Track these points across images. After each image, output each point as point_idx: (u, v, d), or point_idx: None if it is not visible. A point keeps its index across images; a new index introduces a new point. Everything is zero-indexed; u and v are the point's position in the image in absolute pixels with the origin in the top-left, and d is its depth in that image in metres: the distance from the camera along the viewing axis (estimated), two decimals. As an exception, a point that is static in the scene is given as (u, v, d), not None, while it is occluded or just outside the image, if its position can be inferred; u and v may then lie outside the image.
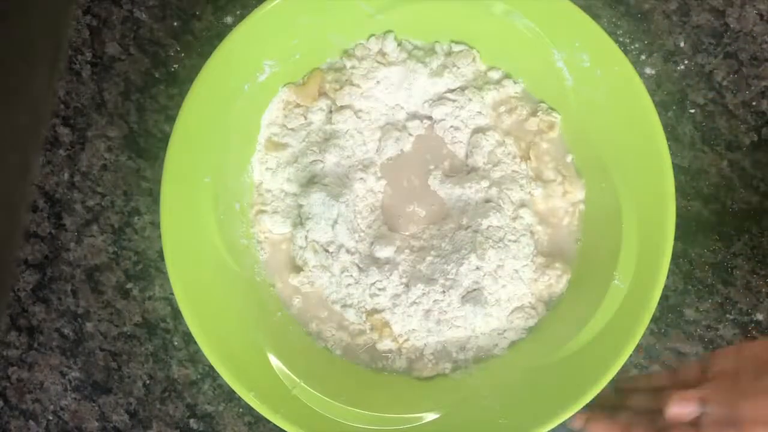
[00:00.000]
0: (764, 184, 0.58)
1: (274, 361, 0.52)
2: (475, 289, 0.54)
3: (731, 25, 0.60)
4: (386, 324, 0.54)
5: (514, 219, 0.55)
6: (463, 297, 0.54)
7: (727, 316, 0.58)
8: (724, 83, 0.59)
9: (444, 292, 0.54)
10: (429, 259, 0.55)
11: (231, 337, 0.51)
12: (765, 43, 0.59)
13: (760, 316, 0.58)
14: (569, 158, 0.56)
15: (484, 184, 0.55)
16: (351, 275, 0.55)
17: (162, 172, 0.51)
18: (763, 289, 0.58)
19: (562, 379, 0.47)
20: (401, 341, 0.54)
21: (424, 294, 0.54)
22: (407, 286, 0.54)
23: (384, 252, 0.55)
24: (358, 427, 0.50)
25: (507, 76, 0.57)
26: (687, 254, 0.58)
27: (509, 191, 0.55)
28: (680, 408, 0.43)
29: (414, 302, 0.54)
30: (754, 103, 0.59)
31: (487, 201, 0.55)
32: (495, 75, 0.57)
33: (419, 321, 0.54)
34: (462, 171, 0.57)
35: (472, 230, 0.54)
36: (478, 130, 0.57)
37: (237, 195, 0.55)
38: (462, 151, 0.57)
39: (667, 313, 0.58)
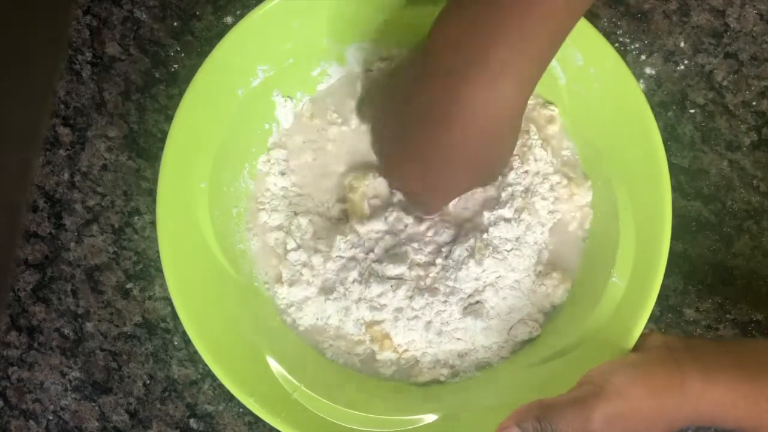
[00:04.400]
0: (764, 184, 0.58)
1: (274, 365, 0.52)
2: (477, 302, 0.53)
3: (731, 25, 0.60)
4: (386, 336, 0.54)
5: (520, 226, 0.54)
6: (464, 309, 0.53)
7: (727, 316, 0.58)
8: (724, 83, 0.59)
9: (445, 301, 0.53)
10: (437, 264, 0.54)
11: (230, 342, 0.51)
12: (765, 43, 0.59)
13: (760, 316, 0.58)
14: (575, 158, 0.56)
15: (509, 190, 0.54)
16: (348, 292, 0.54)
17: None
18: (763, 289, 0.58)
19: (563, 377, 0.47)
20: (401, 351, 0.54)
21: (427, 304, 0.53)
22: (411, 299, 0.53)
23: (395, 270, 0.54)
24: (359, 429, 0.50)
25: None
26: (687, 254, 0.58)
27: (523, 199, 0.54)
28: None
29: (416, 315, 0.53)
30: (754, 103, 0.59)
31: (500, 209, 0.54)
32: None
33: (420, 333, 0.53)
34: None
35: (477, 233, 0.53)
36: None
37: (234, 199, 0.55)
38: None
39: (667, 313, 0.58)
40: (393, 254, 0.54)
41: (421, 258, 0.54)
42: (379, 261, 0.54)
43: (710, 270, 0.58)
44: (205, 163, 0.53)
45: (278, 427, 0.49)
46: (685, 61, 0.59)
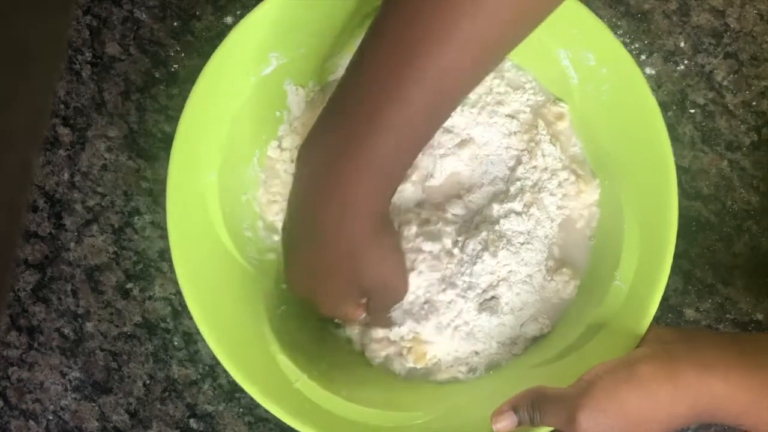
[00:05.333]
0: (764, 184, 0.58)
1: (277, 354, 0.52)
2: (492, 297, 0.53)
3: (731, 25, 0.60)
4: (425, 353, 0.53)
5: (530, 220, 0.54)
6: (480, 304, 0.53)
7: (727, 316, 0.58)
8: (724, 83, 0.59)
9: (464, 296, 0.53)
10: (454, 254, 0.53)
11: (235, 330, 0.51)
12: (765, 43, 0.59)
13: (760, 316, 0.58)
14: (583, 156, 0.56)
15: (517, 184, 0.54)
16: None
17: (163, 172, 0.51)
18: (763, 289, 0.58)
19: (566, 378, 0.47)
20: (433, 359, 0.54)
21: (450, 302, 0.53)
22: (437, 292, 0.53)
23: (430, 247, 0.53)
24: (359, 422, 0.50)
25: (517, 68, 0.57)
26: (687, 254, 0.58)
27: (531, 193, 0.54)
28: (499, 423, 0.46)
29: (441, 316, 0.53)
30: (754, 103, 0.59)
31: (509, 202, 0.54)
32: (507, 68, 0.57)
33: (449, 339, 0.53)
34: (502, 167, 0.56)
35: (488, 225, 0.53)
36: (512, 115, 0.56)
37: (244, 187, 0.55)
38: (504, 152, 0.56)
39: (667, 313, 0.58)
40: (428, 231, 0.54)
41: (447, 242, 0.54)
42: (413, 236, 0.54)
43: (710, 270, 0.58)
44: (215, 151, 0.53)
45: (280, 417, 0.49)
46: (685, 61, 0.59)
